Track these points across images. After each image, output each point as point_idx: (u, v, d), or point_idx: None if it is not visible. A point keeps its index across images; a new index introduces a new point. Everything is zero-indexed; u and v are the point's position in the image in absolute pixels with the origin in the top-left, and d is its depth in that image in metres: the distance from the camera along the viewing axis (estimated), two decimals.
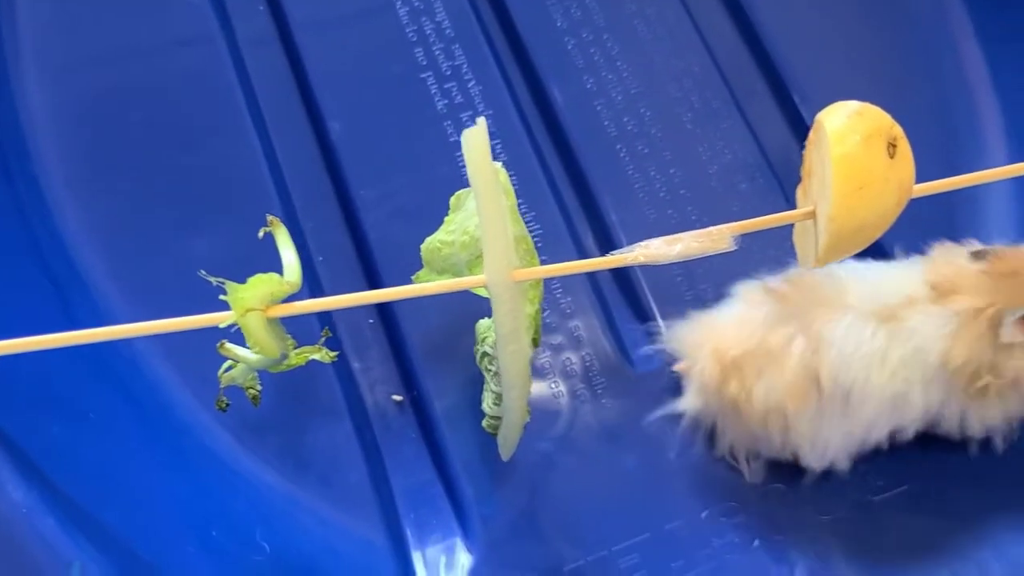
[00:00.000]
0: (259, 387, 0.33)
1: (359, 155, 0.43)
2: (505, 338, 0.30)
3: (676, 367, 0.39)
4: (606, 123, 0.45)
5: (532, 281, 0.32)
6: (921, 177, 0.31)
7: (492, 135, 0.44)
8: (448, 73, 0.45)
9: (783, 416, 0.36)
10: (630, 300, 0.42)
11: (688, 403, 0.38)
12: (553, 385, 0.40)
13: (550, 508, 0.38)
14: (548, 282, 0.42)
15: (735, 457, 0.38)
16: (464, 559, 0.37)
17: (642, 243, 0.31)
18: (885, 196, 0.29)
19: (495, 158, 0.44)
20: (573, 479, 0.39)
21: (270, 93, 0.45)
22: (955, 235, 0.37)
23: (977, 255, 0.35)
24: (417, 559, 0.37)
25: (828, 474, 0.37)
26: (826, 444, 0.36)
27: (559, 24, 0.47)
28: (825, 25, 0.48)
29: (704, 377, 0.37)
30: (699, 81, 0.46)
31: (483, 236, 0.28)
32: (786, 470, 0.38)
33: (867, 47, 0.47)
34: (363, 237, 0.42)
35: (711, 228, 0.31)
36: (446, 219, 0.34)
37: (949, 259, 0.36)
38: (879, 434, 0.36)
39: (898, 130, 0.29)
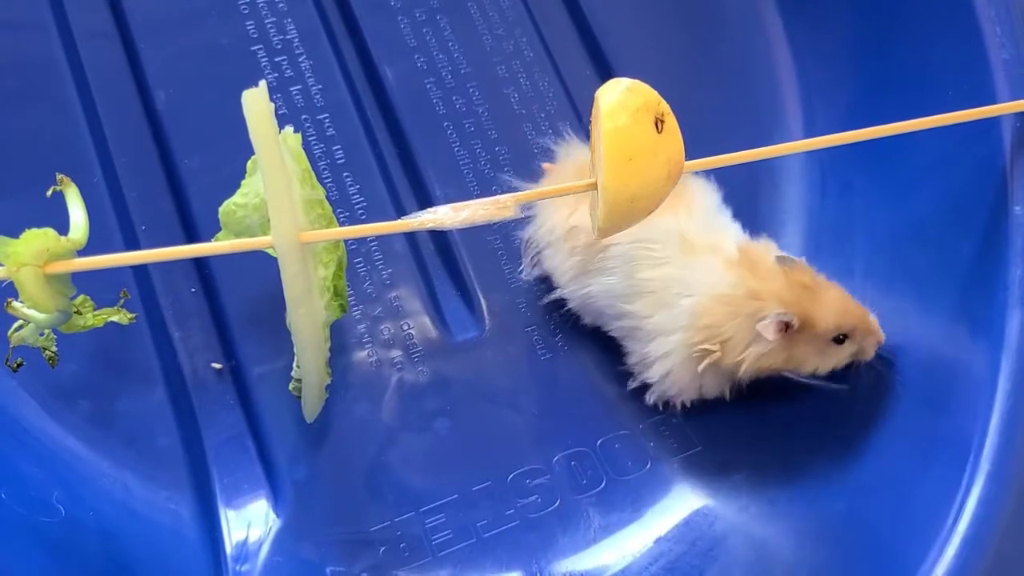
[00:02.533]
0: (55, 348, 0.33)
1: (185, 124, 0.43)
2: (295, 300, 0.31)
3: (545, 164, 0.43)
4: (435, 101, 0.46)
5: (327, 244, 0.33)
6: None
7: (321, 109, 0.45)
8: (279, 47, 0.46)
9: (571, 248, 0.40)
10: (451, 272, 0.43)
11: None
12: (371, 354, 0.41)
13: (362, 471, 0.39)
14: (369, 253, 0.43)
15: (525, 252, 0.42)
16: (272, 520, 0.37)
17: (431, 209, 0.32)
18: (655, 168, 0.31)
19: (323, 132, 0.45)
20: (386, 444, 0.40)
21: (95, 60, 0.44)
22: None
23: (782, 259, 0.38)
24: (224, 522, 0.37)
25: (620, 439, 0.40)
26: (572, 276, 0.40)
27: (393, 3, 0.47)
28: (651, 16, 0.50)
29: (556, 178, 0.41)
30: (528, 64, 0.48)
31: (267, 198, 0.29)
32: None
33: (688, 40, 0.49)
34: (187, 206, 0.42)
35: (498, 196, 0.32)
36: (243, 182, 0.35)
37: (759, 247, 0.38)
38: (600, 308, 0.40)
39: (665, 106, 0.31)
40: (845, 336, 0.37)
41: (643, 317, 0.39)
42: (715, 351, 0.37)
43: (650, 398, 0.40)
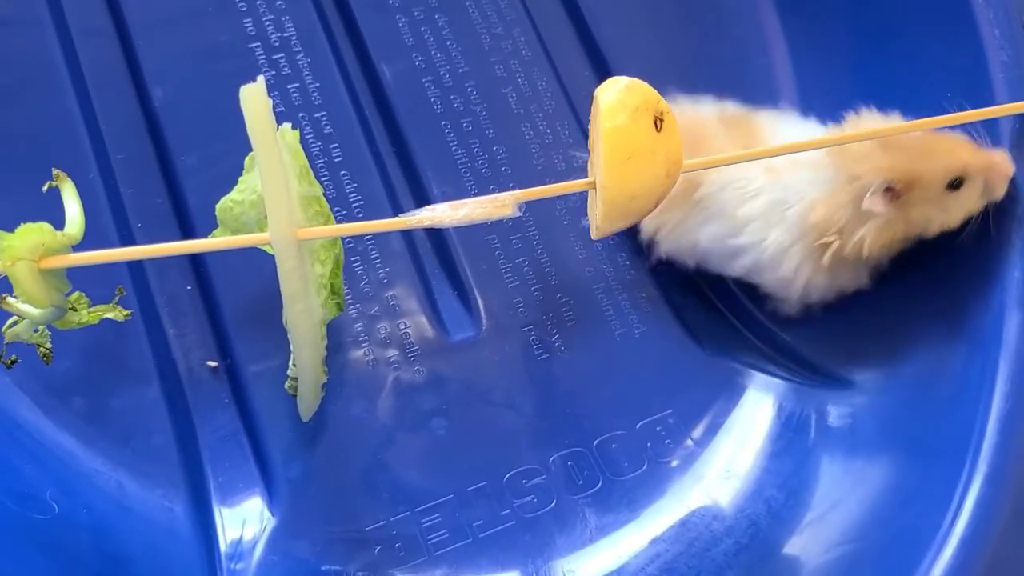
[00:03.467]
0: (49, 345, 0.33)
1: (181, 121, 0.43)
2: (292, 297, 0.31)
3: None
4: (433, 100, 0.46)
5: (324, 242, 0.33)
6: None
7: (319, 107, 0.45)
8: (277, 44, 0.45)
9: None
10: (448, 271, 0.43)
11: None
12: (367, 353, 0.41)
13: (357, 470, 0.39)
14: (366, 252, 0.43)
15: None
16: (267, 520, 0.37)
17: (429, 207, 0.32)
18: (654, 167, 0.31)
19: (320, 130, 0.45)
20: (382, 443, 0.39)
21: (92, 56, 0.44)
22: None
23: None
24: (218, 520, 0.37)
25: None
26: (677, 237, 0.40)
27: (391, 2, 0.47)
28: (651, 16, 0.50)
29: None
30: (527, 63, 0.47)
31: (264, 194, 0.29)
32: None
33: (686, 39, 0.49)
34: (183, 203, 0.42)
35: (496, 195, 0.32)
36: (240, 179, 0.35)
37: (855, 123, 0.37)
38: (714, 256, 0.40)
39: (664, 105, 0.31)
40: (960, 180, 0.35)
41: (758, 245, 0.38)
42: (833, 241, 0.36)
43: (790, 309, 0.40)
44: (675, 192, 0.37)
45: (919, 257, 0.39)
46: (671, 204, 0.39)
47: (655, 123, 0.31)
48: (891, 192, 0.35)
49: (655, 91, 0.31)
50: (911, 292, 0.39)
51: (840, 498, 0.36)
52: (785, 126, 0.40)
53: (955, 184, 0.35)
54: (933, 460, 0.33)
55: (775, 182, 0.37)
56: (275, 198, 0.29)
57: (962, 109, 0.36)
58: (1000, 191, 0.35)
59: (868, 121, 0.37)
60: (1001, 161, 0.35)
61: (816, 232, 0.36)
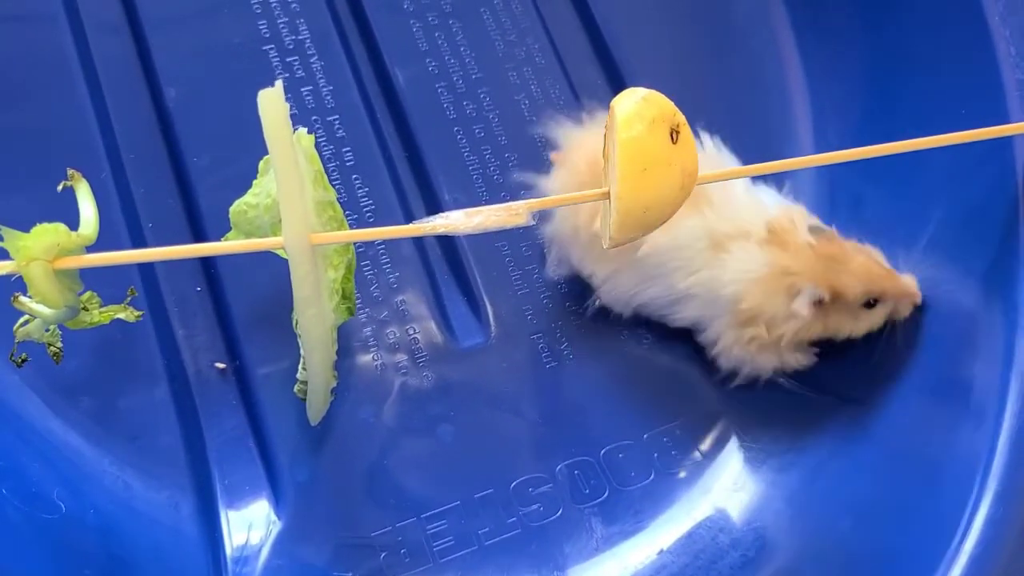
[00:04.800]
0: (60, 344, 0.33)
1: (194, 122, 0.43)
2: (304, 301, 0.31)
3: (552, 154, 0.43)
4: (446, 106, 0.46)
5: (338, 247, 0.33)
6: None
7: (331, 111, 0.45)
8: (291, 47, 0.46)
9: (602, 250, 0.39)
10: (458, 277, 0.43)
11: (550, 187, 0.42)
12: (376, 357, 0.41)
13: (363, 476, 0.39)
14: (376, 256, 0.43)
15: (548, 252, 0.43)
16: (272, 522, 0.37)
17: (442, 214, 0.32)
18: (669, 179, 0.31)
19: (333, 134, 0.45)
20: (389, 448, 0.39)
21: (106, 55, 0.44)
22: None
23: (814, 229, 0.39)
24: (224, 523, 0.37)
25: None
26: (614, 288, 0.41)
27: (406, 7, 0.47)
28: (666, 28, 0.50)
29: (569, 170, 0.41)
30: (540, 71, 0.47)
31: (279, 198, 0.29)
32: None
33: (700, 51, 0.49)
34: (194, 205, 0.42)
35: (510, 203, 0.32)
36: (254, 182, 0.35)
37: (795, 219, 0.39)
38: (654, 311, 0.41)
39: (681, 117, 0.31)
40: (876, 300, 0.38)
41: (696, 317, 0.40)
42: (757, 334, 0.38)
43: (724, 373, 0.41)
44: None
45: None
46: (609, 254, 0.40)
47: (671, 135, 0.31)
48: (820, 302, 0.38)
49: (671, 103, 0.31)
50: (921, 311, 0.39)
51: (847, 514, 0.36)
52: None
53: (871, 304, 0.39)
54: (942, 478, 0.33)
55: (719, 259, 0.39)
56: (290, 203, 0.29)
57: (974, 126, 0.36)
58: (905, 314, 0.39)
59: (800, 218, 0.39)
60: (913, 290, 0.39)
61: (743, 317, 0.39)
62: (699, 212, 0.39)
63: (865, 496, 0.36)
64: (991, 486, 0.31)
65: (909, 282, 0.39)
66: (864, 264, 0.38)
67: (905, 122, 0.42)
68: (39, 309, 0.30)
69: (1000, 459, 0.31)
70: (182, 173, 0.43)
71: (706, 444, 0.40)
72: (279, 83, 0.28)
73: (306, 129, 0.34)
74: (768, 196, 0.41)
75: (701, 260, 0.39)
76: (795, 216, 0.39)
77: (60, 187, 0.31)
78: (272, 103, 0.28)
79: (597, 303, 0.42)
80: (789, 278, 0.38)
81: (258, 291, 0.41)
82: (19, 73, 0.43)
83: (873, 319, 0.39)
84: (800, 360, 0.40)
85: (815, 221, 0.39)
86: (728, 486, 0.39)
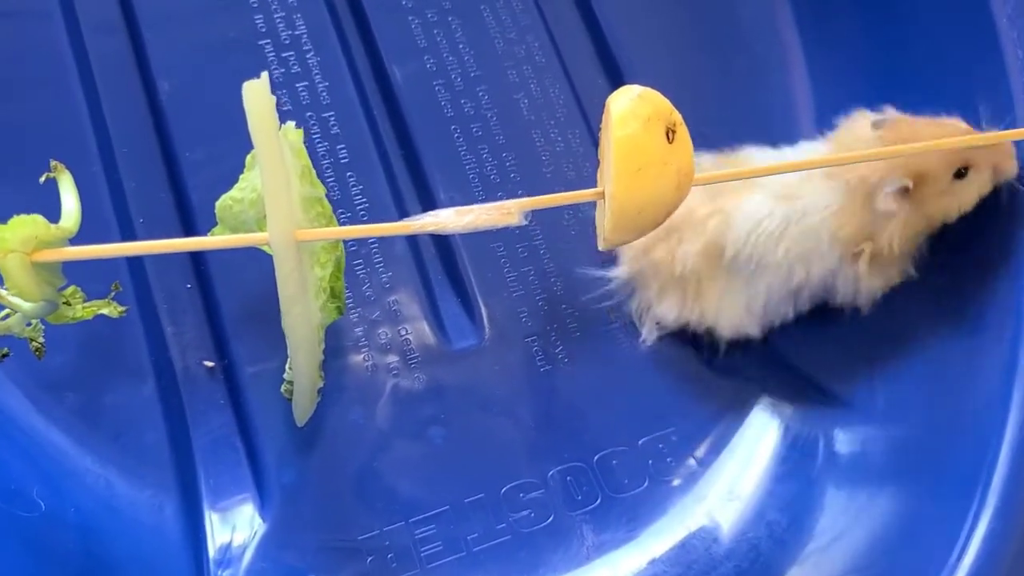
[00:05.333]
0: (42, 340, 0.32)
1: (188, 117, 0.43)
2: (289, 299, 0.30)
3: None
4: (443, 103, 0.45)
5: (326, 244, 0.32)
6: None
7: (327, 107, 0.45)
8: (287, 42, 0.45)
9: (697, 281, 0.40)
10: (452, 277, 0.43)
11: (620, 269, 0.42)
12: (367, 358, 0.40)
13: (352, 478, 0.38)
14: (369, 255, 0.42)
15: (642, 320, 0.42)
16: (257, 524, 0.36)
17: (433, 212, 0.31)
18: (664, 179, 0.30)
19: (328, 130, 0.44)
20: (378, 450, 0.39)
21: (100, 48, 0.43)
22: None
23: (876, 124, 0.37)
24: (208, 524, 0.36)
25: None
26: (731, 307, 0.40)
27: (404, 3, 0.47)
28: (669, 27, 0.49)
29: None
30: (540, 69, 0.47)
31: (264, 193, 0.28)
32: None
33: (703, 51, 0.48)
34: (186, 199, 0.42)
35: (502, 202, 0.32)
36: (241, 177, 0.34)
37: (851, 129, 0.38)
38: (779, 305, 0.39)
39: (677, 116, 0.30)
40: (966, 168, 0.36)
41: (819, 277, 0.38)
42: (864, 249, 0.37)
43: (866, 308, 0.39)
44: (701, 270, 0.39)
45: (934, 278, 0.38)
46: (702, 286, 0.40)
47: (667, 134, 0.30)
48: (906, 190, 0.36)
49: (668, 101, 0.30)
50: (923, 319, 0.38)
51: (845, 526, 0.35)
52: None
53: (961, 173, 0.36)
54: (942, 491, 0.33)
55: (793, 209, 0.38)
56: (275, 198, 0.28)
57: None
58: (1009, 170, 0.36)
59: (860, 121, 0.38)
60: (1001, 143, 0.36)
61: (848, 244, 0.37)
62: (750, 192, 0.38)
63: (862, 508, 0.35)
64: (991, 501, 0.30)
65: (994, 136, 0.36)
66: (941, 133, 0.35)
67: None
68: (17, 303, 0.29)
69: (1001, 473, 0.30)
70: (174, 168, 0.42)
71: (701, 451, 0.39)
72: (264, 75, 0.28)
73: (294, 123, 0.34)
74: (799, 147, 0.40)
75: (780, 216, 0.38)
76: (852, 124, 0.38)
77: (43, 179, 0.31)
78: (257, 95, 0.28)
79: (724, 349, 0.41)
80: (867, 184, 0.36)
81: (249, 288, 0.41)
82: (11, 66, 0.42)
83: (974, 188, 0.36)
84: (915, 265, 0.38)
85: (876, 116, 0.38)
86: (723, 495, 0.38)
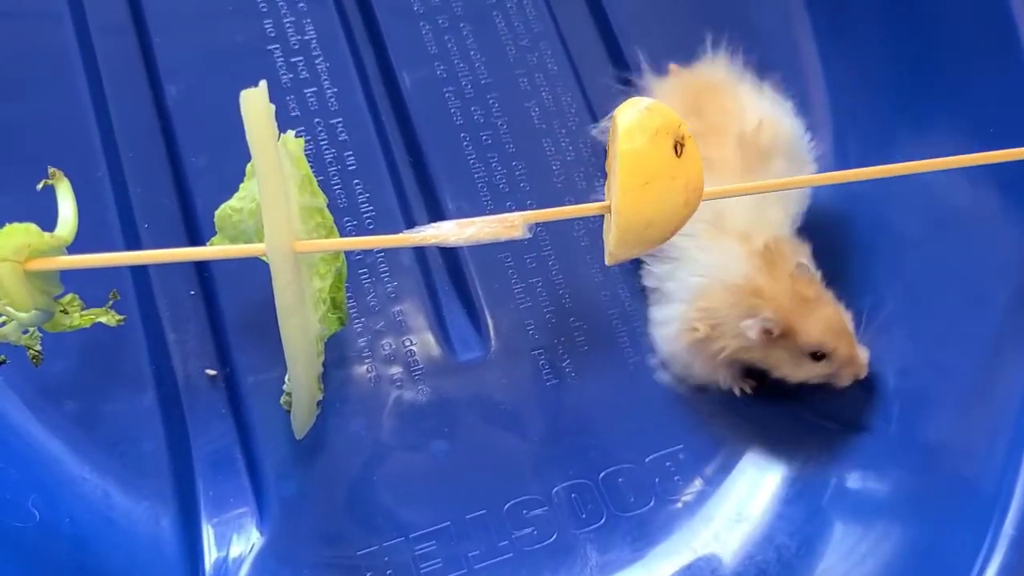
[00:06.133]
0: (39, 347, 0.32)
1: (194, 122, 0.42)
2: (286, 310, 0.29)
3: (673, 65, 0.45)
4: (453, 111, 0.44)
5: (326, 255, 0.31)
6: None
7: (335, 113, 0.44)
8: (296, 47, 0.44)
9: None
10: (458, 288, 0.42)
11: None
12: (370, 369, 0.40)
13: (352, 491, 0.37)
14: (375, 265, 0.42)
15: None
16: (255, 538, 0.36)
17: (434, 224, 0.31)
18: (672, 194, 0.29)
19: (335, 137, 0.44)
20: (380, 464, 0.38)
21: (109, 51, 0.43)
22: None
23: (800, 267, 0.38)
24: (205, 536, 0.36)
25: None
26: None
27: (416, 8, 0.46)
28: (685, 36, 0.48)
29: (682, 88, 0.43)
30: (552, 77, 0.46)
31: (261, 203, 0.27)
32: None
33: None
34: (191, 205, 0.41)
35: (506, 215, 0.31)
36: (241, 186, 0.34)
37: (791, 249, 0.39)
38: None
39: (686, 129, 0.29)
40: (823, 355, 0.38)
41: (661, 280, 0.40)
42: (698, 330, 0.38)
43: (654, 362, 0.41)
44: None
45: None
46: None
47: (675, 148, 0.29)
48: (769, 333, 0.37)
49: (677, 115, 0.29)
50: (938, 348, 0.37)
51: (856, 553, 0.34)
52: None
53: (817, 356, 0.38)
54: (956, 520, 0.31)
55: (709, 243, 0.39)
56: (272, 208, 0.27)
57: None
58: (844, 383, 0.38)
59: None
60: (862, 363, 0.38)
61: (695, 312, 0.38)
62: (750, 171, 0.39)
63: (874, 534, 0.34)
64: (1007, 532, 0.29)
65: (861, 354, 0.38)
66: (829, 317, 0.37)
67: (931, 141, 0.40)
68: (11, 311, 0.29)
69: (1016, 505, 0.29)
70: (180, 173, 0.42)
71: (710, 471, 0.39)
72: (263, 83, 0.27)
73: (303, 131, 0.33)
74: (788, 221, 0.40)
75: (697, 228, 0.38)
76: (793, 247, 0.39)
77: (40, 186, 0.30)
78: (255, 104, 0.27)
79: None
80: (756, 299, 0.37)
81: (253, 297, 0.40)
82: (19, 66, 0.42)
83: (812, 371, 0.38)
84: (727, 382, 0.39)
85: (807, 261, 0.39)
86: (731, 516, 0.37)
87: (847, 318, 0.38)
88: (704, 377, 0.40)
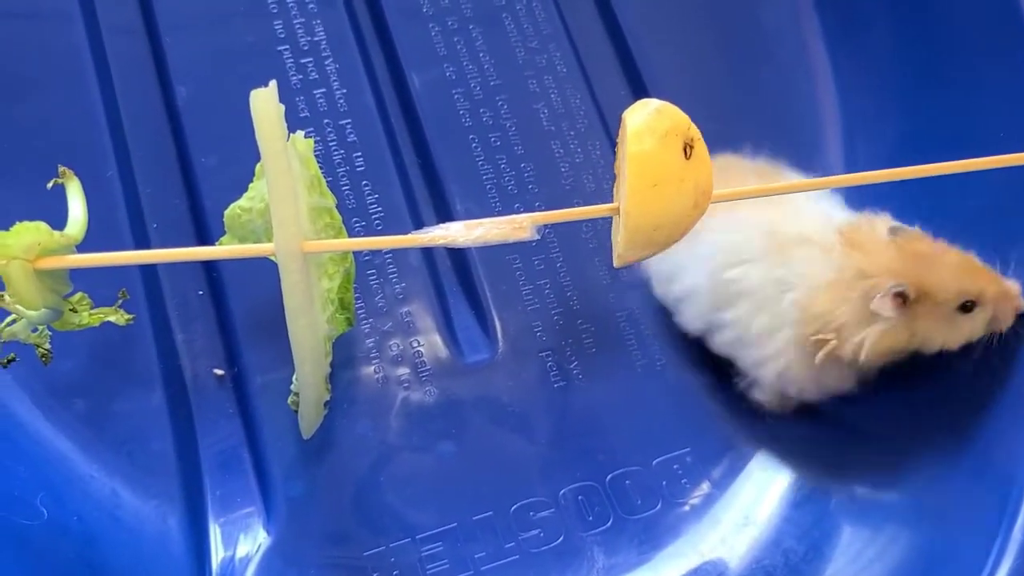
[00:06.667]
0: (48, 346, 0.32)
1: (204, 122, 0.42)
2: (294, 311, 0.30)
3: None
4: (462, 113, 0.44)
5: (334, 255, 0.32)
6: None
7: (344, 114, 0.44)
8: (306, 48, 0.44)
9: None
10: (466, 290, 0.42)
11: None
12: (378, 370, 0.40)
13: (359, 492, 0.38)
14: (383, 266, 0.42)
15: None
16: (262, 538, 0.36)
17: (443, 225, 0.31)
18: (681, 196, 0.29)
19: (344, 138, 0.44)
20: (387, 464, 0.38)
21: (120, 51, 0.43)
22: None
23: (893, 231, 0.35)
24: (212, 536, 0.36)
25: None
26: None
27: (425, 10, 0.46)
28: (694, 39, 0.48)
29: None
30: (561, 79, 0.46)
31: (270, 203, 0.27)
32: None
33: (728, 64, 0.47)
34: (201, 205, 0.41)
35: (514, 216, 0.31)
36: (250, 186, 0.34)
37: (865, 228, 0.35)
38: (697, 315, 0.39)
39: (695, 131, 0.29)
40: (973, 303, 0.34)
41: (744, 324, 0.36)
42: (831, 339, 0.34)
43: (763, 395, 0.38)
44: None
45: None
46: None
47: (684, 150, 0.29)
48: (902, 298, 0.33)
49: (686, 116, 0.29)
50: (949, 355, 0.37)
51: (863, 557, 0.34)
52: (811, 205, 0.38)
53: (967, 306, 0.34)
54: (964, 526, 0.31)
55: (777, 259, 0.36)
56: (281, 208, 0.27)
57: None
58: (1007, 323, 0.34)
59: (878, 222, 0.35)
60: (1016, 294, 0.34)
61: (812, 325, 0.34)
62: (759, 207, 0.36)
63: (882, 539, 0.34)
64: (1016, 537, 0.29)
65: (1013, 286, 0.34)
66: (959, 261, 0.34)
67: (941, 144, 0.40)
68: (21, 309, 0.29)
69: None
70: (189, 173, 0.42)
71: (717, 474, 0.38)
72: (273, 83, 0.27)
73: (312, 131, 0.33)
74: (838, 206, 0.38)
75: (753, 252, 0.36)
76: (873, 220, 0.36)
77: (50, 184, 0.30)
78: (265, 104, 0.27)
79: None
80: (867, 279, 0.33)
81: (261, 297, 0.40)
82: (30, 66, 0.42)
83: (971, 326, 0.34)
84: (868, 377, 0.35)
85: (895, 224, 0.35)
86: (738, 520, 0.37)
87: (974, 258, 0.35)
88: (832, 389, 0.36)
